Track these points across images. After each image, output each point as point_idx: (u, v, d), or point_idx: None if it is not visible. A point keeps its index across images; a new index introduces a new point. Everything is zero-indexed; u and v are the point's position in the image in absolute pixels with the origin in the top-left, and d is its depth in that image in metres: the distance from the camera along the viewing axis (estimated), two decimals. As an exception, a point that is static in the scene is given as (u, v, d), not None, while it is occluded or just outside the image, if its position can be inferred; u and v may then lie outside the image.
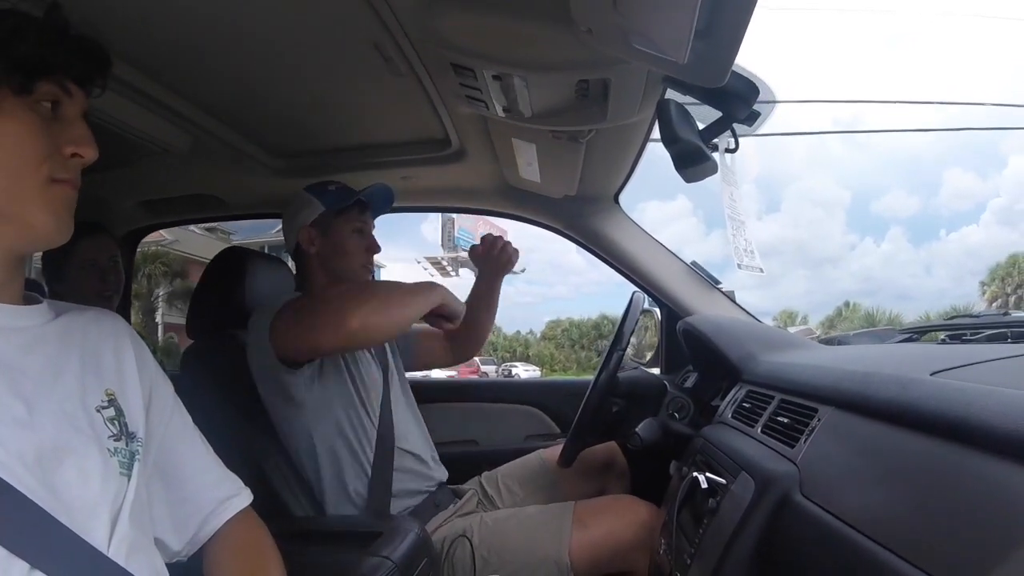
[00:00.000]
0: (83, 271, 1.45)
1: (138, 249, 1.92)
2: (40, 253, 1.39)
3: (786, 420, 0.78)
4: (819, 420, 0.71)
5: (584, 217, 1.55)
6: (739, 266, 1.00)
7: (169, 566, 0.60)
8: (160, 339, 14.29)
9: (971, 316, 1.13)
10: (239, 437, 1.08)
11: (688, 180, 0.92)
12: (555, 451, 1.34)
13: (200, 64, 0.97)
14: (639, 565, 1.11)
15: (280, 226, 1.33)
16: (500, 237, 1.43)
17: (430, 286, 1.14)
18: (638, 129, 1.11)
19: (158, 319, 15.76)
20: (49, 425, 0.51)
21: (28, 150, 0.52)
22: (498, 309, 1.50)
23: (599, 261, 1.58)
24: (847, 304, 25.17)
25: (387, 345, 1.34)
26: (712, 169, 0.92)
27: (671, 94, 0.90)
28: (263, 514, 0.71)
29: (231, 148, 1.30)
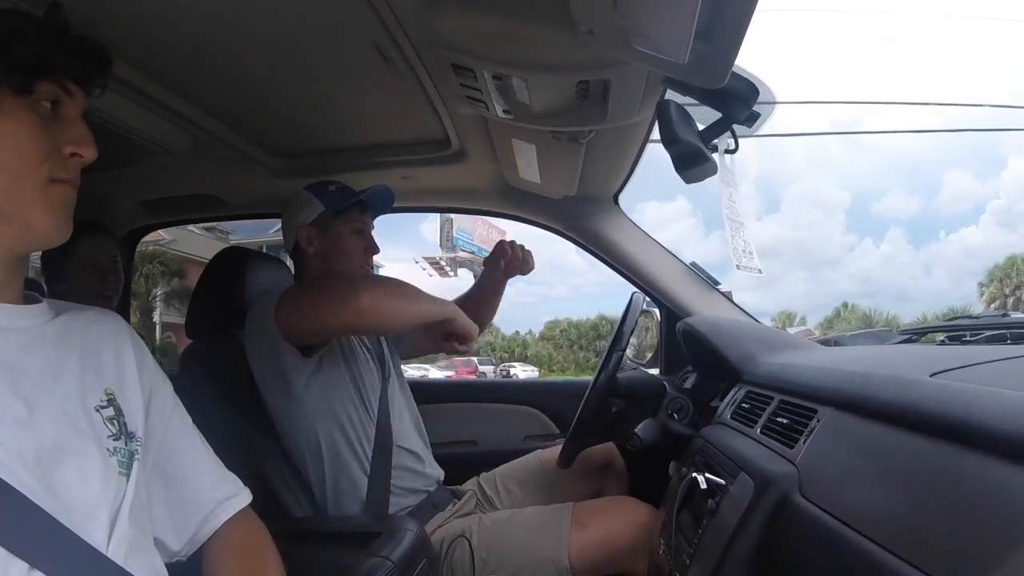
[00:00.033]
0: (83, 271, 1.44)
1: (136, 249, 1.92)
2: (40, 252, 1.39)
3: (785, 421, 0.78)
4: (818, 421, 0.71)
5: (584, 218, 1.55)
6: (738, 267, 1.00)
7: (168, 566, 0.60)
8: (158, 339, 14.26)
9: (971, 317, 1.14)
10: (238, 437, 1.07)
11: (688, 181, 0.92)
12: (554, 452, 1.34)
13: (200, 64, 0.97)
14: (638, 566, 1.11)
15: (279, 226, 1.33)
16: (514, 241, 1.43)
17: (445, 300, 1.13)
18: (638, 130, 1.11)
19: (156, 319, 15.72)
20: (49, 425, 0.51)
21: (28, 150, 0.52)
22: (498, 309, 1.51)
23: (598, 262, 1.58)
24: (845, 305, 25.20)
25: (384, 343, 1.34)
26: (712, 170, 0.92)
27: (671, 95, 0.91)
28: (262, 514, 0.71)
29: (231, 148, 1.30)
